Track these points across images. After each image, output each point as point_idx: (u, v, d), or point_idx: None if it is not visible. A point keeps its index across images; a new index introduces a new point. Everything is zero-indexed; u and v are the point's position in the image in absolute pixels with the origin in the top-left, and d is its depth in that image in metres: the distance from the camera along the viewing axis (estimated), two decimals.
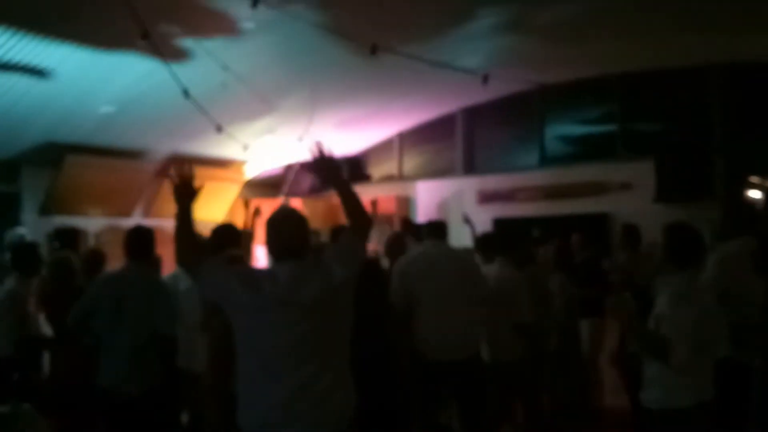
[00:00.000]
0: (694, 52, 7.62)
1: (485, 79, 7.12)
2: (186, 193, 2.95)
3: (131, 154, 8.42)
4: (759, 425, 3.82)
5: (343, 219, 2.91)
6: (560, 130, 9.53)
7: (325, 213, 10.03)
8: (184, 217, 2.90)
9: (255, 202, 6.96)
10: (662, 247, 3.37)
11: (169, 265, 4.62)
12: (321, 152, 2.81)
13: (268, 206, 9.25)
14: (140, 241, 4.33)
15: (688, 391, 3.11)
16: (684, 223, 3.57)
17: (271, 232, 2.82)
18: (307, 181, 11.76)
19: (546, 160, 9.44)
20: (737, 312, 3.61)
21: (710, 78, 8.06)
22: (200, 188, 3.00)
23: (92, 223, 8.37)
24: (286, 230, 2.80)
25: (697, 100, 8.18)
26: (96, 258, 5.25)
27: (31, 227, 7.29)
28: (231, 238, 4.47)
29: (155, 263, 4.79)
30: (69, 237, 7.75)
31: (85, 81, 6.39)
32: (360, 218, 2.82)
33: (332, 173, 2.83)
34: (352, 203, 2.81)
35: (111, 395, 4.11)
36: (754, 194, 7.97)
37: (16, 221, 7.57)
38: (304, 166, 10.07)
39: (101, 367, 4.16)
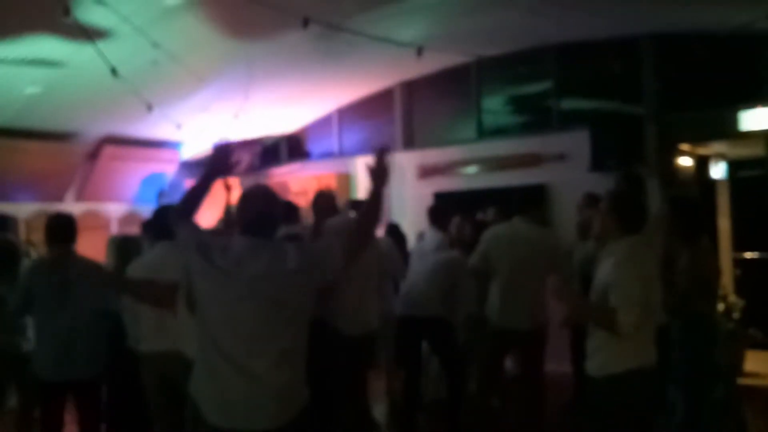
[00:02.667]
0: (627, 23, 7.75)
1: (419, 51, 7.12)
2: (224, 163, 3.04)
3: (61, 137, 8.17)
4: (677, 387, 3.98)
5: (283, 198, 2.93)
6: (497, 102, 9.61)
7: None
8: (207, 183, 2.98)
9: (231, 181, 6.78)
10: (607, 214, 3.42)
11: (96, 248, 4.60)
12: (382, 158, 2.95)
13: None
14: (64, 226, 4.31)
15: (630, 355, 3.20)
16: (627, 190, 3.68)
17: (240, 206, 2.84)
18: (245, 159, 11.61)
19: (484, 133, 9.51)
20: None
21: (642, 49, 8.21)
22: (234, 165, 3.12)
23: (22, 209, 8.11)
24: (253, 205, 2.81)
25: (630, 71, 8.33)
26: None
27: None
28: None
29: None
30: None
31: (8, 61, 6.15)
32: (373, 221, 2.92)
33: (385, 177, 2.94)
34: (377, 205, 2.91)
35: (48, 381, 4.10)
36: (685, 162, 8.22)
37: None
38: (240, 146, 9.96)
39: (37, 354, 4.14)
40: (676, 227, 4.00)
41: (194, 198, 2.93)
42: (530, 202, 5.22)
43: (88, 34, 5.51)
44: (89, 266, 4.31)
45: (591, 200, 5.90)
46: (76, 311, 4.06)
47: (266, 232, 2.79)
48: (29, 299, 4.12)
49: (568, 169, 8.13)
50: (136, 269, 4.19)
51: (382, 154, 2.89)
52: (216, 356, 2.64)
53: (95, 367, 4.18)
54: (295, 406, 2.71)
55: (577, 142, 7.95)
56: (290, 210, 5.28)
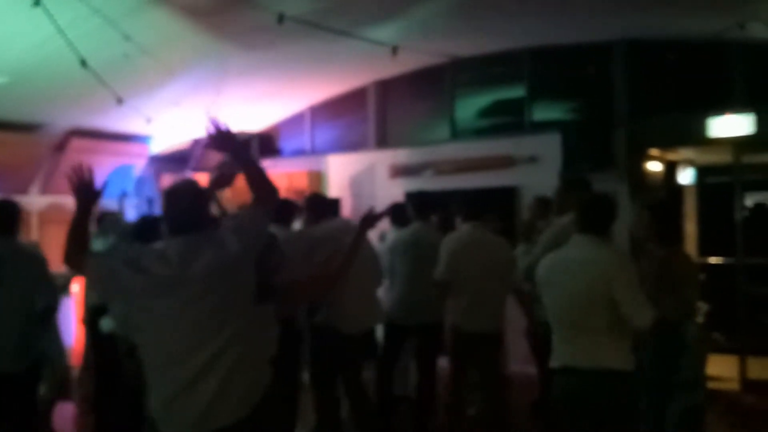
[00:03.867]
0: (600, 28, 7.83)
1: (394, 50, 7.11)
2: (87, 196, 2.81)
3: (27, 128, 8.02)
4: (646, 389, 4.00)
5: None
6: (471, 103, 9.64)
7: (237, 187, 9.83)
8: (83, 218, 2.77)
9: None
10: (578, 217, 3.46)
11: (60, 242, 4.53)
12: (217, 127, 2.72)
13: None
14: (6, 215, 4.22)
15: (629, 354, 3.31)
16: (599, 194, 3.72)
17: (166, 205, 2.72)
18: (216, 155, 11.49)
19: (457, 134, 9.53)
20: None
21: (613, 54, 8.30)
22: (101, 190, 2.87)
23: None
24: (179, 203, 2.69)
25: (601, 75, 8.43)
26: None
27: None
28: None
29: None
30: None
31: None
32: (264, 189, 2.78)
33: (233, 145, 2.77)
34: (255, 174, 2.76)
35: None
36: (654, 167, 8.31)
37: None
38: (207, 144, 9.83)
39: None
40: (656, 232, 4.04)
41: (79, 237, 2.74)
42: (481, 208, 5.28)
43: (58, 23, 5.39)
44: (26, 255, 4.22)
45: (542, 203, 5.97)
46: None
47: (195, 228, 2.66)
48: None
49: (539, 171, 8.17)
50: None
51: (215, 122, 2.74)
52: (163, 360, 2.57)
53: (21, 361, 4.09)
54: (248, 397, 2.62)
55: (548, 145, 8.00)
56: (285, 209, 5.12)
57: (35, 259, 4.28)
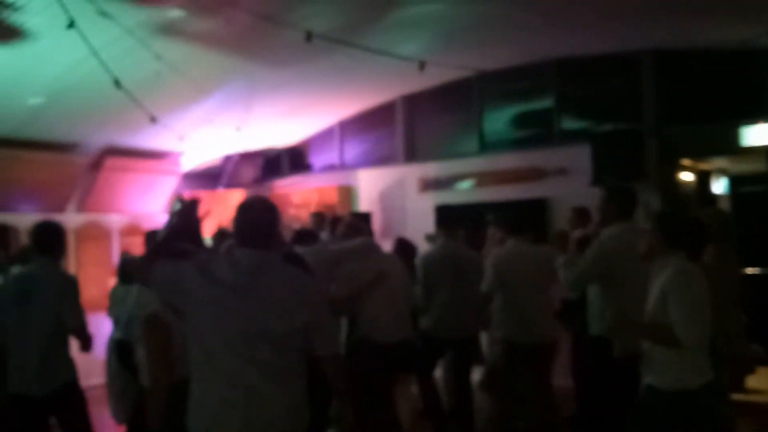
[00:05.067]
0: (627, 38, 7.78)
1: (422, 65, 7.14)
2: (188, 221, 3.02)
3: (63, 147, 8.18)
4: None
5: (285, 210, 2.93)
6: (499, 116, 9.63)
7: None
8: (171, 239, 2.92)
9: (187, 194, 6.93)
10: (654, 232, 3.45)
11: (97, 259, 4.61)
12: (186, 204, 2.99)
13: (207, 198, 9.13)
14: (45, 235, 4.27)
15: (703, 371, 3.27)
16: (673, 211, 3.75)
17: (239, 218, 2.80)
18: (249, 171, 11.62)
19: (485, 147, 9.53)
20: None
21: (643, 64, 8.24)
22: (205, 216, 3.13)
23: (23, 220, 8.10)
24: (252, 216, 2.78)
25: (631, 86, 8.36)
26: (26, 255, 5.12)
27: None
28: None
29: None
30: None
31: (12, 72, 6.16)
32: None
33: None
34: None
35: (21, 398, 4.02)
36: (686, 177, 8.22)
37: None
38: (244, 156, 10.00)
39: (9, 371, 4.06)
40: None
41: (160, 251, 2.86)
42: (524, 221, 5.43)
43: (93, 45, 5.51)
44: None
45: (580, 214, 5.94)
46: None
47: (265, 242, 2.76)
48: None
49: (569, 183, 8.14)
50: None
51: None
52: (212, 373, 2.61)
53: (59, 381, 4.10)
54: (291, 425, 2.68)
55: (578, 157, 7.96)
56: (307, 236, 5.37)
57: (68, 282, 4.30)
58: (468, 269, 5.52)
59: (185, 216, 3.00)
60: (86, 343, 4.21)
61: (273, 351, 2.60)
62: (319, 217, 7.79)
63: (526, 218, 5.63)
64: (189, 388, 2.67)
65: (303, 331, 2.68)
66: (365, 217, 9.30)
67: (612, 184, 4.79)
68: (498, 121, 9.63)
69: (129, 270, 4.80)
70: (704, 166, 8.48)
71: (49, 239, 4.24)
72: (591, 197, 6.74)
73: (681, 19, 6.98)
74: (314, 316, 2.72)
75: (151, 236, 6.88)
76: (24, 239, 7.93)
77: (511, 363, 5.15)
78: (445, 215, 8.43)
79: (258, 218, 2.78)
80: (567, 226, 6.09)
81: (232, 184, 10.87)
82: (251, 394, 2.56)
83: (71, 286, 4.25)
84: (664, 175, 7.73)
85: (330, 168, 11.04)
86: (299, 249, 4.79)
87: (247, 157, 11.17)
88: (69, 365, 4.20)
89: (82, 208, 8.90)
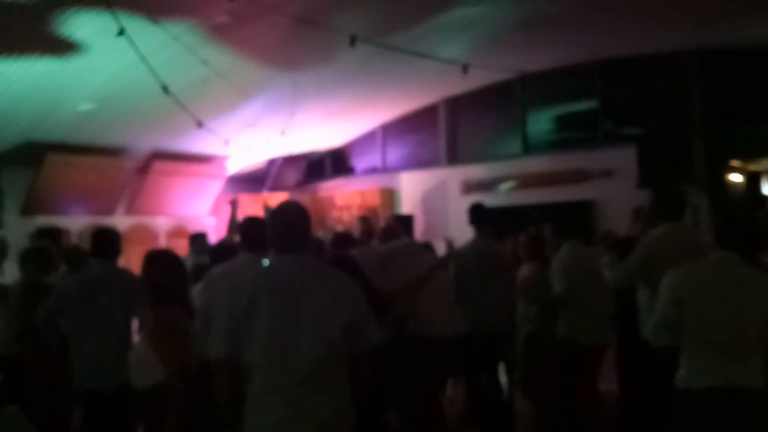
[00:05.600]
0: (673, 38, 7.66)
1: (465, 68, 7.12)
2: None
3: (112, 152, 8.36)
4: None
5: (328, 213, 2.94)
6: (542, 118, 9.56)
7: (311, 207, 10.02)
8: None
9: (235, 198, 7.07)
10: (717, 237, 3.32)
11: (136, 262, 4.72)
12: None
13: (252, 201, 9.25)
14: (103, 240, 4.38)
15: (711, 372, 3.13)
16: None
17: (273, 224, 2.79)
18: (292, 174, 11.73)
19: (529, 149, 9.46)
20: None
21: (689, 63, 8.10)
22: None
23: (74, 223, 8.30)
24: (287, 222, 2.76)
25: (677, 86, 8.22)
26: (77, 254, 5.25)
27: (12, 228, 7.23)
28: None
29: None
30: (51, 236, 7.67)
31: (63, 79, 6.32)
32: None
33: None
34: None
35: (88, 396, 4.14)
36: (734, 178, 8.05)
37: None
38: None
39: (75, 369, 4.17)
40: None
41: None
42: (579, 225, 5.45)
43: (141, 51, 5.63)
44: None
45: (638, 215, 5.88)
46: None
47: (300, 248, 2.74)
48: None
49: (615, 185, 8.04)
50: (219, 277, 4.23)
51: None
52: (262, 383, 2.60)
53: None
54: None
55: (624, 158, 7.85)
56: (345, 239, 5.40)
57: (136, 281, 4.41)
58: (501, 266, 5.50)
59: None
60: None
61: (314, 354, 2.58)
62: (364, 221, 7.84)
63: (579, 221, 5.62)
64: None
65: (343, 331, 2.64)
66: (408, 219, 9.32)
67: (661, 186, 4.71)
68: (541, 122, 9.55)
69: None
70: (754, 167, 8.29)
71: (109, 243, 4.38)
72: (637, 199, 6.68)
73: (727, 17, 6.85)
74: (354, 315, 2.68)
75: (195, 239, 7.16)
76: (74, 242, 8.13)
77: (570, 363, 5.12)
78: (474, 215, 8.38)
79: (291, 224, 2.76)
80: (629, 227, 6.04)
81: (276, 187, 10.98)
82: (296, 401, 2.55)
83: (140, 285, 4.38)
84: (713, 176, 7.58)
85: (372, 171, 11.09)
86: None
87: (290, 161, 11.28)
88: None
89: (130, 211, 9.08)
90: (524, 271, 5.66)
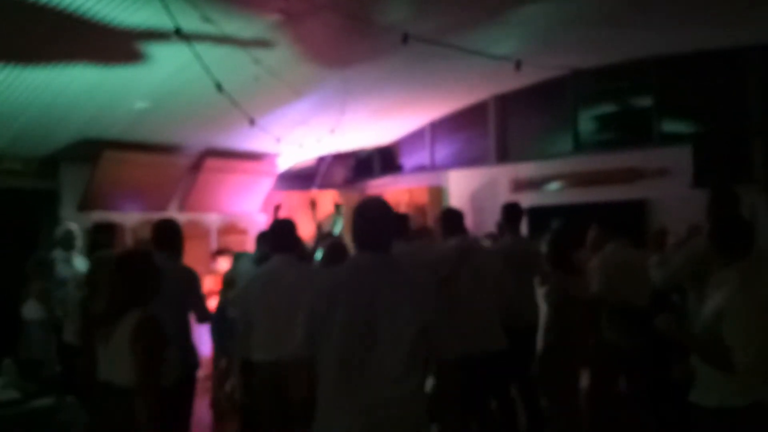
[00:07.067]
0: (730, 34, 7.47)
1: (518, 65, 7.04)
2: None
3: (166, 149, 8.51)
4: None
5: None
6: (594, 115, 9.42)
7: None
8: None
9: (278, 200, 7.14)
10: (710, 241, 3.24)
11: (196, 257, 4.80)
12: None
13: (300, 198, 9.31)
14: (168, 232, 4.45)
15: (747, 391, 2.95)
16: (732, 214, 3.52)
17: (357, 221, 2.74)
18: (341, 172, 11.79)
19: (580, 147, 9.33)
20: None
21: (747, 60, 7.90)
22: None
23: (129, 218, 8.48)
24: (371, 219, 2.71)
25: (734, 83, 8.02)
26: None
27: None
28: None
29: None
30: (107, 232, 7.87)
31: (120, 78, 6.46)
32: None
33: None
34: None
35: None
36: None
37: (55, 217, 7.71)
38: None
39: None
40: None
41: None
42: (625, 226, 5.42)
43: (196, 50, 5.72)
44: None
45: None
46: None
47: (381, 246, 2.69)
48: None
49: (669, 185, 7.88)
50: (253, 280, 4.30)
51: None
52: (339, 377, 2.55)
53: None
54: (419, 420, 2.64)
55: (679, 158, 7.71)
56: (399, 221, 5.12)
57: (192, 276, 4.47)
58: (530, 264, 5.43)
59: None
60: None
61: (394, 355, 2.52)
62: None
63: (630, 221, 5.56)
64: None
65: (423, 333, 2.58)
66: (459, 214, 9.27)
67: (717, 185, 4.60)
68: (593, 121, 9.42)
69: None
70: None
71: (170, 235, 4.43)
72: (693, 199, 6.53)
73: None
74: (433, 318, 2.62)
75: (262, 237, 7.13)
76: (129, 237, 8.31)
77: (609, 366, 5.08)
78: (539, 216, 8.29)
79: (372, 220, 2.71)
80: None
81: (325, 184, 11.05)
82: (374, 400, 2.50)
83: (195, 280, 4.45)
84: None
85: (421, 169, 11.07)
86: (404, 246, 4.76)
87: (339, 158, 11.34)
88: (194, 353, 4.41)
89: (182, 207, 9.22)
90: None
